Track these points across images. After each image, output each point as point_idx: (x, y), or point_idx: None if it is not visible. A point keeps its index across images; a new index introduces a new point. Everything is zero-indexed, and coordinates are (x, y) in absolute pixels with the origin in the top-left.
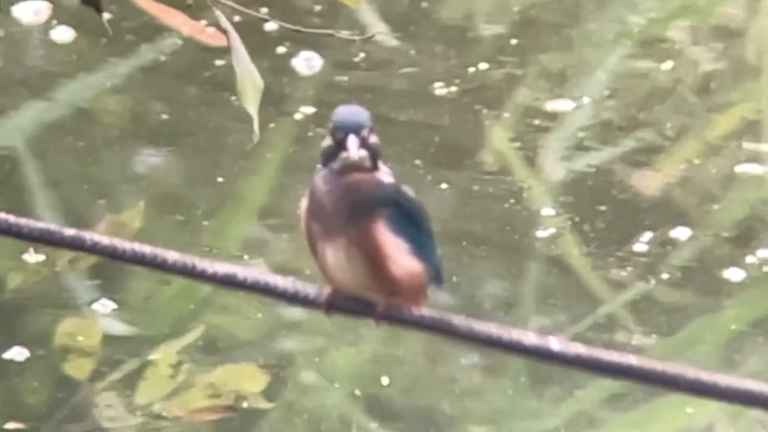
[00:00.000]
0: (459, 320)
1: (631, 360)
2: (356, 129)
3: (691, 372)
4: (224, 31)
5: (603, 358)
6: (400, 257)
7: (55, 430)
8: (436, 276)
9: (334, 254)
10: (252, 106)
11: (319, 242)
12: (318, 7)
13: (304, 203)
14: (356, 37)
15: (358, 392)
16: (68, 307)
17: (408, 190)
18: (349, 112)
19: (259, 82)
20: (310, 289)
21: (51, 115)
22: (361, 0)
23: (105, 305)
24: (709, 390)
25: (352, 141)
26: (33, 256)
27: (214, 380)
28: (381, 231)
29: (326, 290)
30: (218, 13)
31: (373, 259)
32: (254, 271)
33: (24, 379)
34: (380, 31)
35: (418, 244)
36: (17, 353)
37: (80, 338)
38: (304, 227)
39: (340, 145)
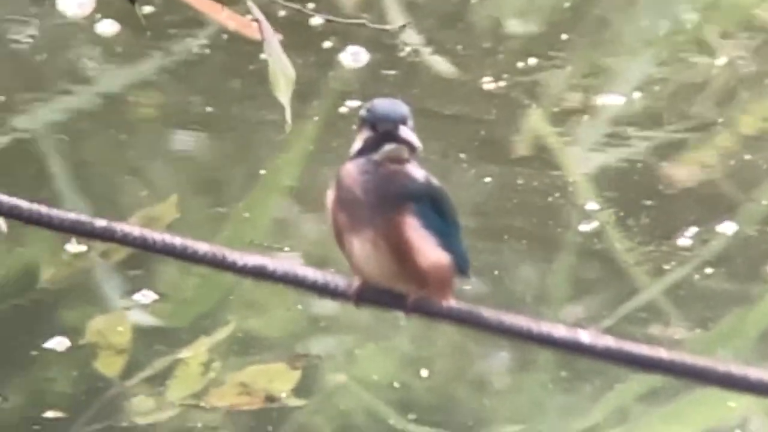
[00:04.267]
0: (489, 313)
1: (661, 353)
2: (403, 120)
3: (721, 365)
4: (257, 21)
5: (632, 351)
6: (428, 249)
7: (89, 423)
8: (462, 267)
9: (360, 246)
10: (284, 96)
11: (346, 233)
12: (365, 13)
13: (330, 194)
14: (388, 27)
15: (396, 384)
16: (106, 298)
17: (436, 181)
18: (391, 104)
19: (291, 72)
20: (340, 281)
21: (92, 107)
22: None
23: (146, 296)
24: (740, 383)
25: (407, 131)
26: (75, 247)
27: (244, 378)
28: (410, 223)
29: (356, 282)
30: (250, 3)
31: (400, 252)
32: (284, 262)
33: (63, 369)
34: (410, 21)
35: (446, 236)
36: (57, 343)
37: (112, 335)
38: (330, 218)
39: (384, 137)
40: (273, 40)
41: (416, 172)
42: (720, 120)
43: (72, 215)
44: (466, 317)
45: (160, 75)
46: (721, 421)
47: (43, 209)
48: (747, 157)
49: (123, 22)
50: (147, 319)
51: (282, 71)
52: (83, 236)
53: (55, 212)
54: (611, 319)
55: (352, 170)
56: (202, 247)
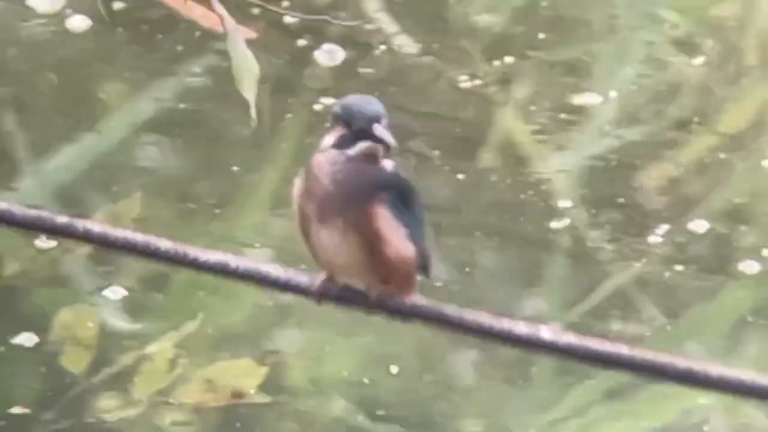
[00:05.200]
0: (451, 309)
1: (623, 350)
2: (378, 119)
3: (681, 362)
4: (220, 17)
5: (593, 347)
6: (397, 240)
7: (56, 420)
8: (424, 263)
9: (328, 236)
10: (248, 92)
11: (313, 224)
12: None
13: (297, 185)
14: (355, 23)
15: (366, 381)
16: (75, 294)
17: (407, 177)
18: (366, 101)
19: (255, 68)
20: (303, 278)
21: (61, 101)
22: None
23: (116, 292)
24: (701, 380)
25: (382, 130)
26: (44, 242)
27: (210, 375)
28: (381, 213)
29: (319, 278)
30: None
31: (370, 241)
32: (247, 259)
33: (31, 364)
34: (380, 18)
35: (413, 228)
36: (26, 339)
37: (80, 329)
38: (296, 209)
39: (359, 135)
40: (237, 35)
41: (386, 164)
42: (695, 119)
43: (33, 211)
44: (428, 314)
45: (130, 72)
46: (684, 416)
47: (3, 205)
48: (721, 156)
49: (94, 17)
50: (116, 315)
51: (246, 67)
52: (45, 232)
53: (16, 208)
54: (579, 316)
55: (322, 161)
56: (164, 243)
